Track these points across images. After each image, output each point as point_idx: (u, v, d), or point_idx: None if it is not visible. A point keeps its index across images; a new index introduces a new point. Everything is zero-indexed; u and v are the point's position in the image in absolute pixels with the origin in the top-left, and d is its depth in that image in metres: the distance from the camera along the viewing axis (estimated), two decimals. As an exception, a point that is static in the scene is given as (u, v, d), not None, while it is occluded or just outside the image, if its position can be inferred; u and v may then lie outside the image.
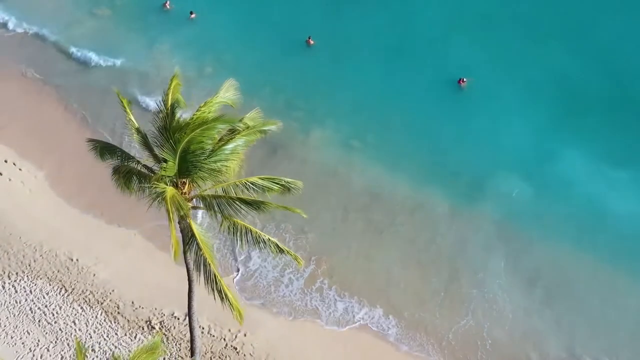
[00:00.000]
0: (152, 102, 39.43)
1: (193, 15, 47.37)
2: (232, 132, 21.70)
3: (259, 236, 21.60)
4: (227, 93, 22.36)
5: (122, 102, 22.33)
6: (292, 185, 22.05)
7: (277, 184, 21.90)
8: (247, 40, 45.17)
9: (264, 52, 44.31)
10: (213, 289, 21.08)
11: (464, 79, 41.43)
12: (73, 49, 45.54)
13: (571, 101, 40.45)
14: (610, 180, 36.46)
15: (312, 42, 44.39)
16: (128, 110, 22.19)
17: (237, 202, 21.36)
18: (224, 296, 21.12)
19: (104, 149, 22.77)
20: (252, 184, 21.68)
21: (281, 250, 21.72)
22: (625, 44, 43.52)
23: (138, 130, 22.08)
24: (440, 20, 45.77)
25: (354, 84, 42.24)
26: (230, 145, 21.12)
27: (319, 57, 43.89)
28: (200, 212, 32.63)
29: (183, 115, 21.81)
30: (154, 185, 20.11)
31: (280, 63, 43.48)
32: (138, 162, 22.19)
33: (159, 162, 21.48)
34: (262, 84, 41.54)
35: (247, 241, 21.54)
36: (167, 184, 20.51)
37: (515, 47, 43.67)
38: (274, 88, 41.77)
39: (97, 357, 29.40)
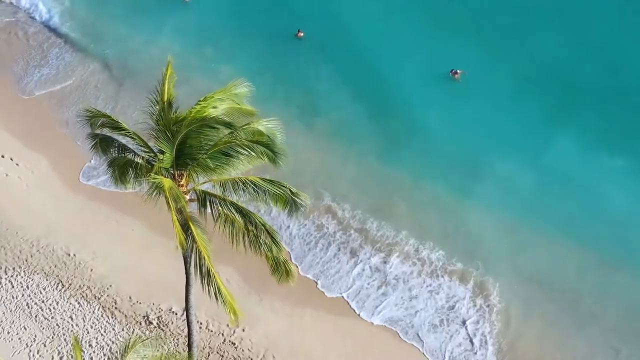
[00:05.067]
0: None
1: None
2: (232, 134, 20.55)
3: (258, 238, 20.60)
4: (235, 91, 21.36)
5: (167, 71, 21.13)
6: (298, 198, 20.60)
7: (281, 187, 20.60)
8: (239, 29, 44.94)
9: (255, 41, 43.96)
10: (208, 285, 20.13)
11: (457, 71, 40.92)
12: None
13: (566, 90, 40.22)
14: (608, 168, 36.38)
15: (301, 34, 43.98)
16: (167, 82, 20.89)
17: (230, 205, 20.58)
18: (218, 293, 20.15)
19: (102, 141, 21.99)
20: (253, 184, 20.61)
21: (277, 261, 20.73)
22: (619, 32, 43.26)
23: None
24: (432, 11, 45.35)
25: (346, 77, 41.68)
26: (231, 152, 20.26)
27: (309, 49, 43.48)
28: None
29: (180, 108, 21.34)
30: (151, 178, 19.61)
31: (269, 56, 43.16)
32: (135, 154, 21.83)
33: (155, 154, 21.15)
34: (255, 77, 40.89)
35: (243, 244, 20.52)
36: (163, 176, 20.21)
37: (509, 38, 43.27)
38: (265, 81, 41.16)
39: (94, 352, 29.25)
